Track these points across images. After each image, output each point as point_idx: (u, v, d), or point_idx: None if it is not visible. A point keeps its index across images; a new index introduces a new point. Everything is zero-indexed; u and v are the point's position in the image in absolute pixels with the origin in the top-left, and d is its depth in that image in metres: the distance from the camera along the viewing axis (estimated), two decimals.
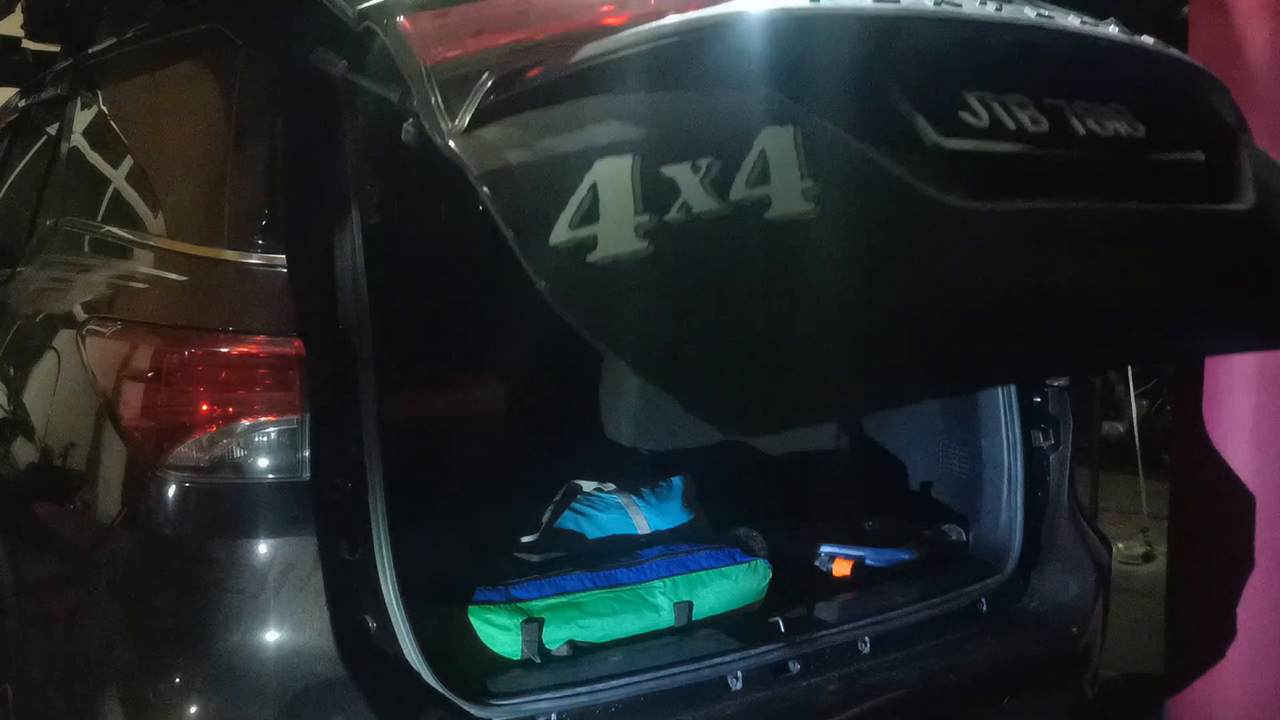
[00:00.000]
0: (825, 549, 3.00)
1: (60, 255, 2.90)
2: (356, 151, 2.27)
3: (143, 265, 2.44)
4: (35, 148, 3.56)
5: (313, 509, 2.07)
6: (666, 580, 2.58)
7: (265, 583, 2.07)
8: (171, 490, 2.08)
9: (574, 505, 2.85)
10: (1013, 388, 3.06)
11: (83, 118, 3.15)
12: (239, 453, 2.06)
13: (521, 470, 2.97)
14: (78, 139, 3.15)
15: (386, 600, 2.14)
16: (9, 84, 4.43)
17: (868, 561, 3.01)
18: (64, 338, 2.53)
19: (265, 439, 2.06)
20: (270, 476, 2.07)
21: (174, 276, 2.30)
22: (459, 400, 3.11)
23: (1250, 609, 3.80)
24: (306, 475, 2.07)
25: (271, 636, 2.08)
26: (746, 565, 2.69)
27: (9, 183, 3.75)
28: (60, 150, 3.25)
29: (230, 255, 2.19)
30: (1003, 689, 2.89)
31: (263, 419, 2.06)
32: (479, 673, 2.29)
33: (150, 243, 2.44)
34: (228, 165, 2.32)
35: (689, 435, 3.14)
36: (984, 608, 2.94)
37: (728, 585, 2.64)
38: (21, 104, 3.95)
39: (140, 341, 2.23)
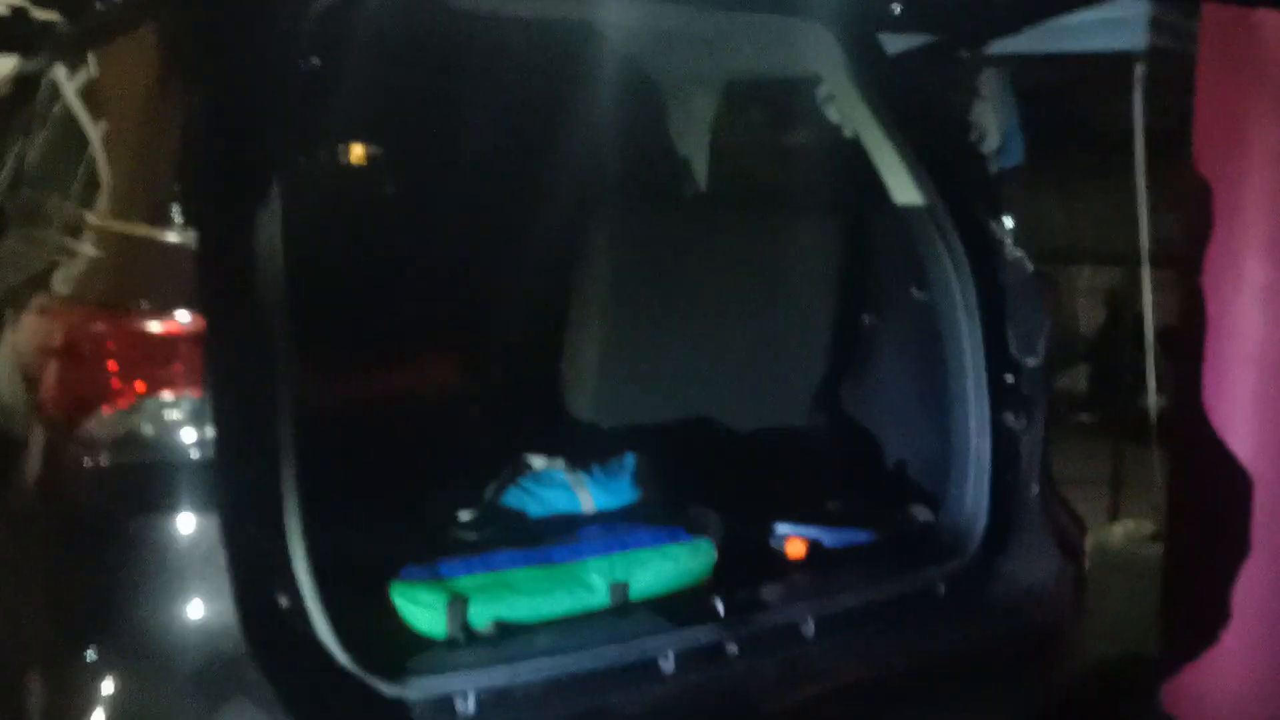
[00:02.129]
0: (780, 529, 2.95)
1: (21, 228, 2.94)
2: (281, 122, 2.27)
3: (71, 240, 2.44)
4: (25, 118, 3.61)
5: (216, 486, 2.07)
6: (602, 559, 2.55)
7: (170, 560, 2.07)
8: (78, 465, 2.08)
9: (520, 482, 2.82)
10: (981, 367, 2.99)
11: (53, 88, 3.18)
12: (142, 429, 2.05)
13: (471, 448, 2.95)
14: (51, 110, 3.18)
15: (297, 578, 2.14)
16: (17, 53, 4.49)
17: (824, 542, 2.95)
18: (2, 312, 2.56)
19: (167, 416, 2.05)
20: (173, 453, 2.06)
21: (95, 252, 2.30)
22: (407, 377, 3.10)
23: (1247, 592, 3.71)
24: (210, 453, 2.06)
25: (178, 614, 2.07)
26: (689, 544, 2.65)
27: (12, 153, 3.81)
28: (37, 121, 3.28)
29: (144, 231, 2.18)
30: (959, 675, 2.84)
31: (164, 395, 2.05)
32: (398, 651, 2.27)
33: (82, 217, 2.45)
34: (149, 139, 2.32)
35: (650, 410, 3.11)
36: (942, 591, 2.87)
37: (668, 565, 2.60)
38: (18, 74, 4.00)
39: (52, 316, 2.25)
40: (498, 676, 2.29)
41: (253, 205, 2.17)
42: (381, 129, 3.36)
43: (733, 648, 2.52)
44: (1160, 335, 6.14)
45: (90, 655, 2.07)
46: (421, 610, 2.34)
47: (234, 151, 2.21)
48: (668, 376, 3.07)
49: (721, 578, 2.68)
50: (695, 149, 3.66)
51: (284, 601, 2.13)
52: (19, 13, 4.37)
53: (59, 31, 3.36)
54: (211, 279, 2.09)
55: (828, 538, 2.96)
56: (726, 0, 2.97)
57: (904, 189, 3.09)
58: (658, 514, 2.79)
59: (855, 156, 3.16)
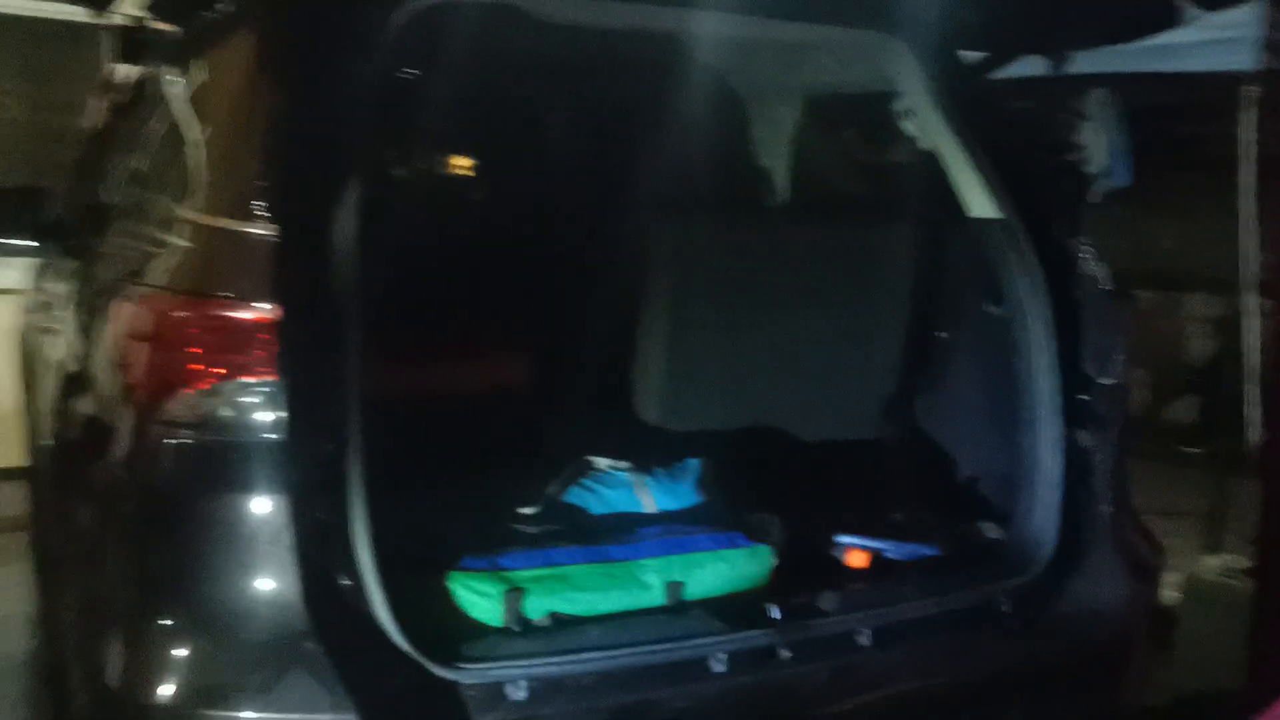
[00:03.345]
0: (842, 539, 2.96)
1: (126, 223, 3.10)
2: (360, 125, 2.37)
3: (164, 233, 2.58)
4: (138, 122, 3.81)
5: (287, 469, 2.16)
6: (660, 559, 2.59)
7: (240, 537, 2.17)
8: (159, 444, 2.20)
9: (583, 481, 2.87)
10: (1055, 384, 2.96)
11: (161, 93, 3.35)
12: (218, 411, 2.16)
13: (539, 446, 3.02)
14: (158, 114, 3.35)
15: (359, 560, 2.22)
16: (137, 62, 4.73)
17: (886, 554, 2.94)
18: (101, 301, 2.72)
19: (241, 399, 2.16)
20: (246, 435, 2.16)
21: (185, 245, 2.43)
22: (480, 374, 3.17)
23: None
24: (282, 436, 2.16)
25: (246, 587, 2.17)
26: (747, 549, 2.67)
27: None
28: (148, 125, 3.46)
29: (229, 224, 2.30)
30: (1021, 695, 2.81)
31: (241, 380, 2.16)
32: (454, 637, 2.34)
33: (174, 211, 2.58)
34: (238, 139, 2.44)
35: (719, 417, 3.14)
36: (1006, 609, 2.85)
37: (724, 568, 2.63)
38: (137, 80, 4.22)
39: (142, 304, 2.38)
40: (550, 667, 2.35)
41: (331, 203, 2.28)
42: (463, 134, 3.46)
43: (785, 652, 2.53)
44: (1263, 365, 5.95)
45: (165, 622, 2.19)
46: (479, 600, 2.41)
47: (314, 152, 2.31)
48: (737, 384, 3.10)
49: (779, 583, 2.70)
50: (775, 159, 3.69)
51: (346, 581, 2.22)
52: (138, 23, 4.61)
53: (170, 40, 3.53)
54: (288, 271, 2.19)
55: (890, 550, 2.96)
56: (803, 12, 3.00)
57: (980, 203, 3.08)
58: (718, 518, 2.82)
59: (932, 170, 3.16)
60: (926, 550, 2.98)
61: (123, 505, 2.32)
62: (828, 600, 2.65)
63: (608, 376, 3.06)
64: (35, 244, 4.08)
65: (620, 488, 2.87)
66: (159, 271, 2.48)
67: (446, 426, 2.96)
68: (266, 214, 2.23)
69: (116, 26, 4.88)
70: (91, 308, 3.01)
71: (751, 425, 3.15)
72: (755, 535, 2.74)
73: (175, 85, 3.17)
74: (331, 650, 2.16)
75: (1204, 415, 8.62)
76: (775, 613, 2.57)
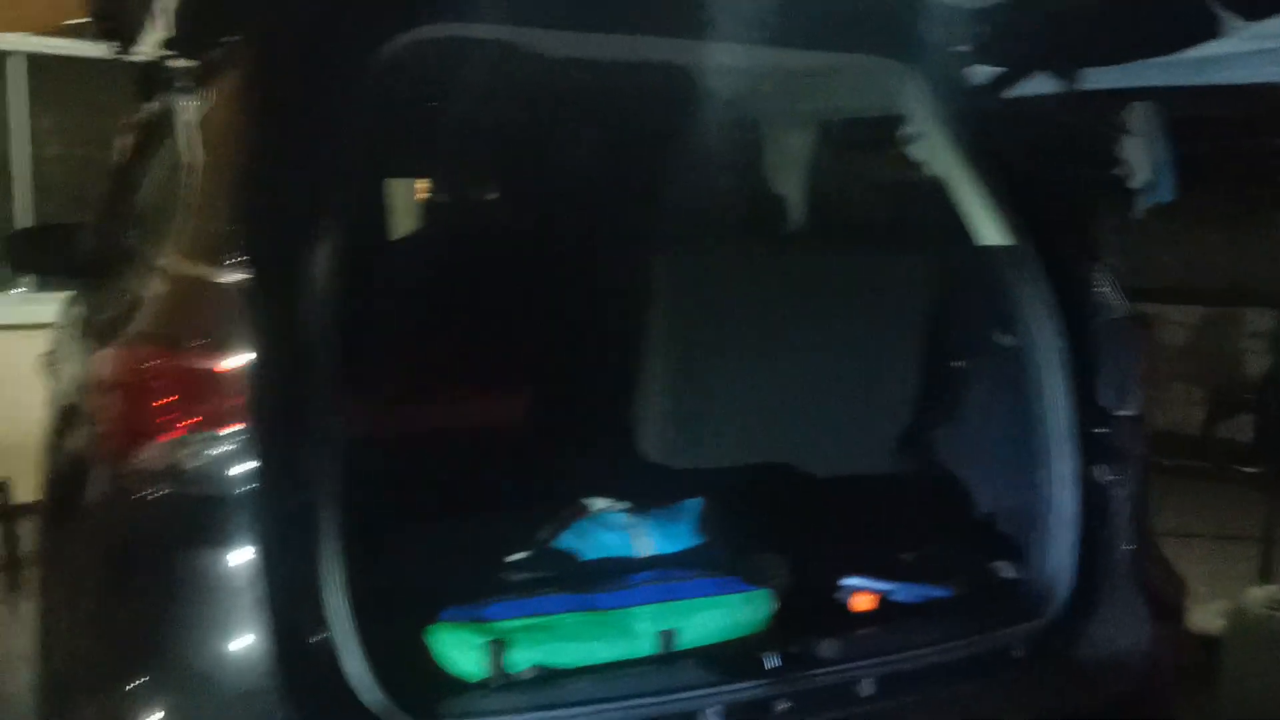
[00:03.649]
0: (847, 581, 2.85)
1: (118, 265, 3.09)
2: (341, 164, 2.33)
3: (143, 278, 2.55)
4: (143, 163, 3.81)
5: (253, 521, 2.11)
6: (651, 606, 2.50)
7: (208, 592, 2.12)
8: (127, 496, 2.17)
9: (576, 525, 2.80)
10: (1068, 416, 2.84)
11: (163, 132, 3.34)
12: (184, 462, 2.12)
13: (535, 487, 2.95)
14: (160, 153, 3.34)
15: (332, 614, 2.16)
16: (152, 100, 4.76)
17: (894, 596, 2.84)
18: (89, 343, 2.70)
19: (208, 451, 2.11)
20: (213, 488, 2.11)
21: (163, 291, 2.40)
22: (472, 412, 3.11)
23: None
24: (247, 489, 2.11)
25: (214, 645, 2.12)
26: (743, 594, 2.58)
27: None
28: (151, 164, 3.46)
29: (201, 270, 2.26)
30: None
31: (207, 431, 2.11)
32: (434, 692, 2.27)
33: (154, 257, 2.55)
34: (215, 181, 2.41)
35: (724, 453, 3.04)
36: (1020, 654, 2.73)
37: (719, 614, 2.54)
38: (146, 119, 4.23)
39: (116, 350, 2.35)
40: None
41: (307, 247, 2.23)
42: (458, 168, 3.41)
43: (783, 704, 2.44)
44: None
45: (134, 682, 2.15)
46: (460, 652, 2.33)
47: (290, 194, 2.27)
48: (744, 419, 3.01)
49: (778, 629, 2.61)
50: (782, 187, 3.60)
51: (319, 637, 2.16)
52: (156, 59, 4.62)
53: (176, 76, 3.52)
54: (259, 319, 2.14)
55: (899, 592, 2.85)
56: (803, 40, 2.92)
57: (988, 230, 2.98)
58: (717, 561, 2.73)
59: (942, 196, 3.06)
60: (937, 592, 2.86)
61: (94, 552, 2.29)
62: (829, 647, 2.55)
63: (608, 413, 2.98)
64: (69, 281, 4.12)
65: (615, 531, 2.78)
66: (138, 316, 2.45)
67: (437, 470, 2.90)
68: (238, 260, 2.19)
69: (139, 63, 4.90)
70: (84, 348, 3.00)
71: (760, 461, 3.05)
72: (754, 578, 2.65)
73: (174, 123, 3.16)
74: (301, 708, 2.10)
75: (1260, 434, 8.36)
76: (772, 661, 2.47)
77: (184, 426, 2.12)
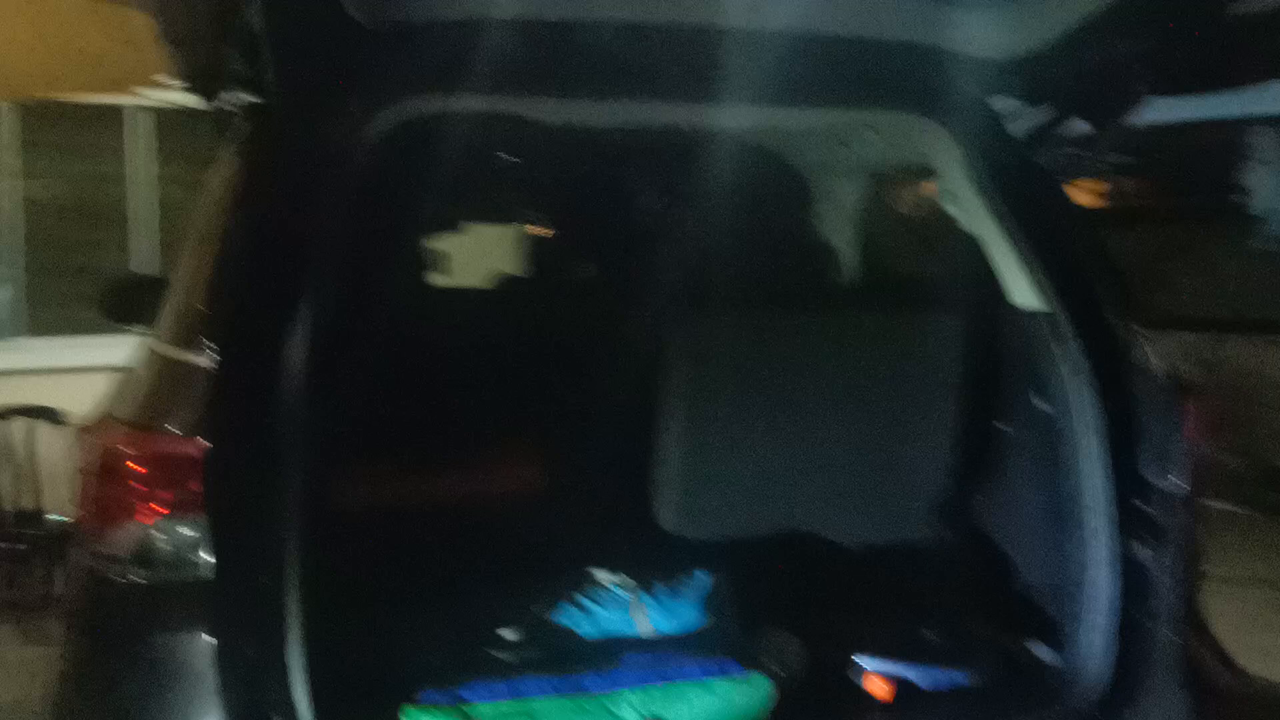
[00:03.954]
0: (863, 662, 2.72)
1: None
2: (324, 244, 2.33)
3: (133, 360, 2.59)
4: None
5: (212, 608, 2.12)
6: (639, 691, 2.41)
7: (168, 679, 2.13)
8: (94, 580, 2.20)
9: (578, 599, 2.74)
10: (1105, 488, 2.66)
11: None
12: (143, 548, 2.14)
13: (538, 556, 2.89)
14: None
15: (295, 702, 2.15)
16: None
17: (912, 681, 2.69)
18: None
19: (167, 537, 2.13)
20: (171, 573, 2.12)
21: (145, 367, 2.43)
22: (474, 480, 3.06)
23: None
24: (205, 575, 2.12)
25: None
26: (739, 679, 2.47)
27: None
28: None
29: (175, 351, 2.29)
30: None
31: (166, 517, 2.13)
32: None
33: (145, 338, 2.59)
34: (196, 263, 2.44)
35: (743, 522, 2.94)
36: None
37: (712, 701, 2.43)
38: None
39: (82, 436, 2.39)
40: None
41: (275, 327, 2.23)
42: (465, 234, 3.39)
43: None
44: None
45: None
46: None
47: (265, 275, 2.28)
48: (763, 486, 2.90)
49: (780, 717, 2.50)
50: (810, 248, 3.47)
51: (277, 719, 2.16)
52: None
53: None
54: (224, 404, 2.15)
55: (918, 676, 2.70)
56: (824, 98, 2.81)
57: (1021, 290, 2.82)
58: (720, 641, 2.63)
59: (975, 255, 2.91)
60: (958, 677, 2.71)
61: (70, 628, 2.32)
62: None
63: (619, 480, 2.91)
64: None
65: (615, 607, 2.71)
66: (124, 393, 2.49)
67: (435, 543, 2.87)
68: (207, 344, 2.21)
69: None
70: None
71: (779, 530, 2.94)
72: (755, 661, 2.54)
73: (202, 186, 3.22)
74: None
75: None
76: None
77: (146, 511, 2.14)
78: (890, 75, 2.77)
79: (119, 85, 5.24)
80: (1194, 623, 2.76)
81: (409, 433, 2.90)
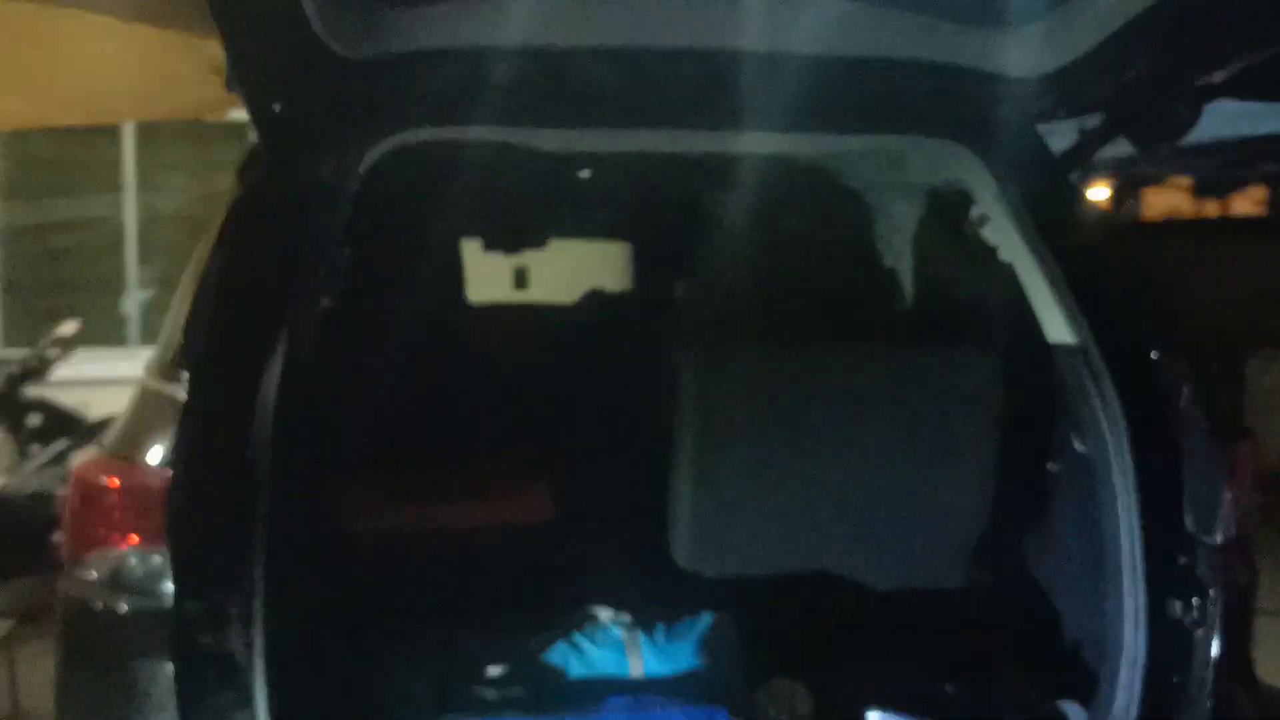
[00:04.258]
0: (872, 715, 2.58)
1: None
2: (301, 279, 2.32)
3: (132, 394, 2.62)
4: None
5: (172, 638, 2.11)
6: None
7: (136, 702, 2.14)
8: (72, 607, 2.23)
9: (573, 637, 2.66)
10: (1137, 540, 2.48)
11: None
12: (118, 575, 2.16)
13: (546, 593, 2.82)
14: None
15: None
16: None
17: None
18: None
19: (139, 564, 2.14)
20: (144, 600, 2.14)
21: (133, 405, 2.46)
22: (475, 510, 3.01)
23: None
24: (167, 604, 2.12)
25: None
26: None
27: None
28: None
29: (153, 384, 2.31)
30: None
31: (138, 546, 2.15)
32: None
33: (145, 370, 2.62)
34: (187, 298, 2.46)
35: (763, 563, 2.83)
36: None
37: None
38: None
39: (86, 459, 2.43)
40: None
41: (251, 359, 2.23)
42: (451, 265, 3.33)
43: None
44: None
45: None
46: None
47: (239, 309, 2.28)
48: (784, 523, 2.78)
49: None
50: (838, 278, 3.33)
51: None
52: None
53: None
54: (190, 434, 2.15)
55: None
56: (849, 125, 2.70)
57: (1055, 325, 2.65)
58: (713, 687, 2.53)
59: (1012, 286, 2.75)
60: None
61: (57, 653, 2.36)
62: None
63: (633, 512, 2.83)
64: None
65: (609, 647, 2.62)
66: (116, 425, 2.51)
67: (426, 572, 2.83)
68: (185, 378, 2.22)
69: None
70: None
71: (801, 571, 2.82)
72: (748, 710, 2.43)
73: None
74: None
75: None
76: None
77: (117, 539, 2.16)
78: (914, 99, 2.64)
79: (204, 110, 5.41)
80: (1237, 686, 2.55)
81: (409, 462, 2.87)
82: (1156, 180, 11.69)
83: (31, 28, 3.68)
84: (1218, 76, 2.52)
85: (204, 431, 2.15)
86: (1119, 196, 12.09)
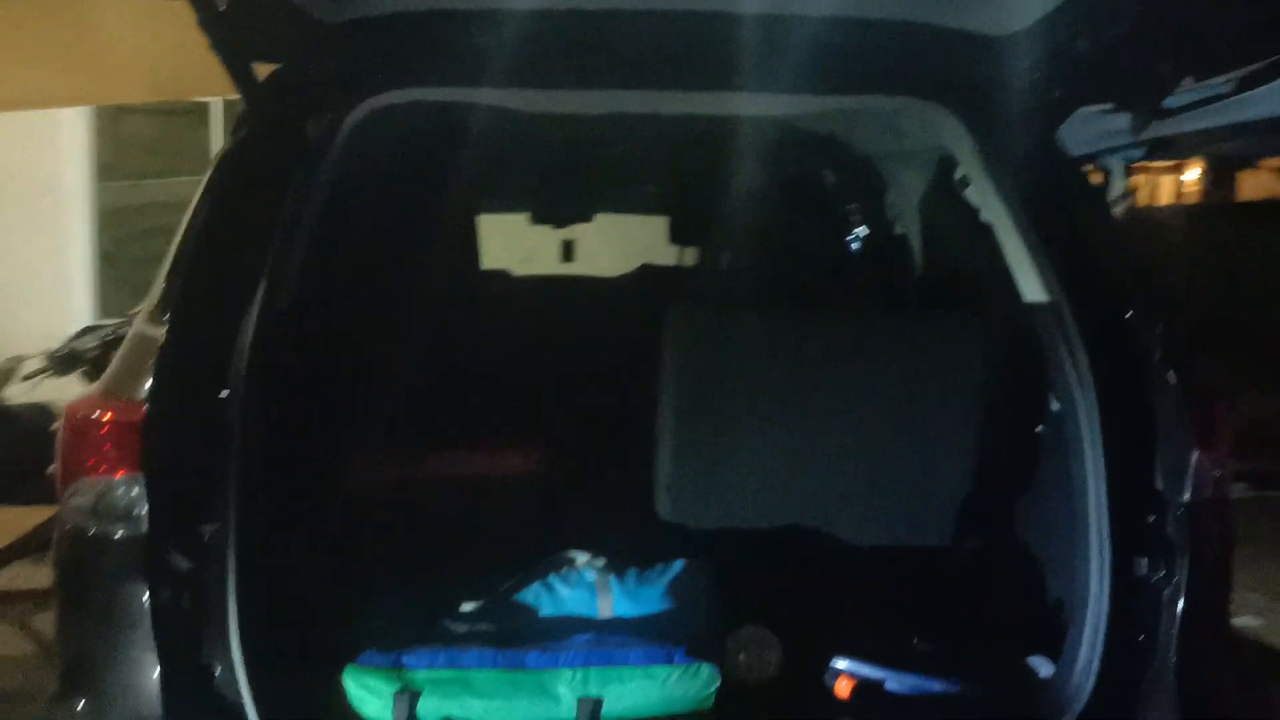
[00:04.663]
0: (837, 663, 2.62)
1: None
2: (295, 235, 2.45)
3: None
4: None
5: (149, 561, 2.26)
6: (578, 671, 2.40)
7: (114, 623, 2.29)
8: (66, 534, 2.38)
9: (546, 579, 2.75)
10: (1103, 499, 2.49)
11: None
12: (102, 503, 2.31)
13: (528, 540, 2.90)
14: None
15: (231, 649, 2.28)
16: None
17: (888, 686, 2.59)
18: None
19: (122, 492, 2.29)
20: (127, 527, 2.27)
21: (126, 347, 2.61)
22: (465, 458, 3.10)
23: None
24: (144, 530, 2.26)
25: (118, 675, 2.30)
26: (682, 668, 2.42)
27: None
28: None
29: (143, 328, 2.46)
30: None
31: (108, 476, 2.29)
32: None
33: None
34: (176, 238, 2.60)
35: (747, 516, 2.88)
36: None
37: (652, 687, 2.39)
38: None
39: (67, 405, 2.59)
40: None
41: (231, 305, 2.36)
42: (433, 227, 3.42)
43: None
44: None
45: (61, 695, 2.38)
46: (369, 697, 2.36)
47: (222, 255, 2.42)
48: (764, 479, 2.83)
49: (724, 709, 2.45)
50: (816, 240, 3.35)
51: (218, 669, 2.28)
52: None
53: None
54: (168, 372, 2.29)
55: (895, 681, 2.59)
56: (827, 85, 2.73)
57: (1030, 284, 2.66)
58: (677, 629, 2.59)
59: (992, 247, 2.76)
60: (936, 685, 2.58)
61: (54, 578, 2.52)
62: None
63: (619, 466, 2.91)
64: None
65: (580, 588, 2.70)
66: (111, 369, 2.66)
67: (423, 516, 2.94)
68: (169, 315, 2.36)
69: None
70: None
71: (786, 526, 2.87)
72: (707, 651, 2.49)
73: None
74: None
75: None
76: None
77: (101, 469, 2.31)
78: (889, 59, 2.66)
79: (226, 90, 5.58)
80: (1206, 649, 2.53)
81: (401, 411, 2.98)
82: (1249, 163, 11.33)
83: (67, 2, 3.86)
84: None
85: (177, 368, 2.29)
86: (1213, 178, 11.74)
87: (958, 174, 2.84)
